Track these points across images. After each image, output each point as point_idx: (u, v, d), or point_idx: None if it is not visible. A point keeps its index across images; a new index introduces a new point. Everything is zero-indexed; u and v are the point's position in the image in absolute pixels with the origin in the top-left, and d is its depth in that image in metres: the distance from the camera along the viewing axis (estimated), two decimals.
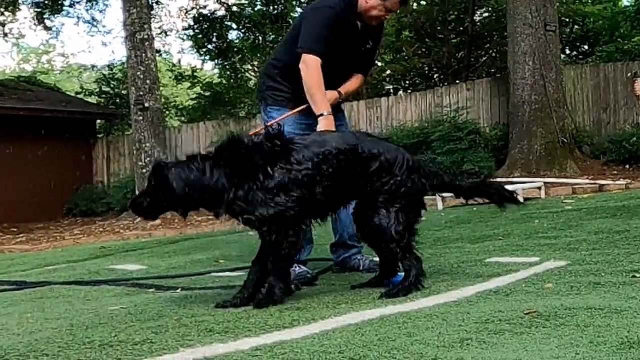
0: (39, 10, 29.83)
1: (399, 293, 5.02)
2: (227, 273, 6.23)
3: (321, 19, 5.98)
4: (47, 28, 32.09)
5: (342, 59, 6.26)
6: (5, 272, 9.47)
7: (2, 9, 30.07)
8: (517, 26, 18.01)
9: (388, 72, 31.30)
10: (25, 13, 31.22)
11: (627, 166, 16.81)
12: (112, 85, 31.61)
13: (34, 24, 31.73)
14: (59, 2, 29.14)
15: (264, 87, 6.58)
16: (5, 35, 32.01)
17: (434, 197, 14.52)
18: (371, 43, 6.44)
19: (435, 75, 29.92)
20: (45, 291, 6.89)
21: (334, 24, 6.10)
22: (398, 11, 6.21)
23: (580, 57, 27.56)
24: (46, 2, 28.86)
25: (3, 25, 31.02)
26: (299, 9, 30.84)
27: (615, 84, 18.88)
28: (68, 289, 6.92)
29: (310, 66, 5.75)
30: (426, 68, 29.91)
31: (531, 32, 17.65)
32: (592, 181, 15.07)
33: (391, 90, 29.62)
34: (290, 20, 28.77)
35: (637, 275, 5.08)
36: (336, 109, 6.38)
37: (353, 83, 6.56)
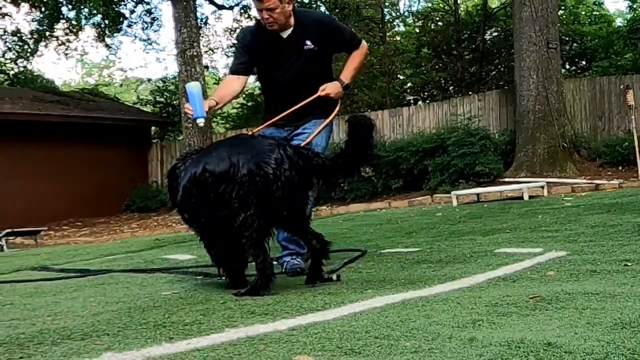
0: (100, 30, 29.98)
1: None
2: None
3: (237, 45, 6.07)
4: (107, 46, 32.27)
5: (284, 64, 6.14)
6: (70, 262, 9.49)
7: (68, 31, 30.22)
8: (522, 44, 17.99)
9: (409, 84, 31.27)
10: (89, 32, 31.41)
11: (620, 168, 16.76)
12: (165, 96, 31.68)
13: (96, 42, 31.94)
14: (118, 23, 29.27)
15: None
16: (67, 54, 32.14)
17: (449, 195, 14.53)
18: (310, 43, 6.08)
19: (450, 88, 29.94)
20: (106, 278, 6.93)
21: (248, 43, 6.16)
22: (285, 7, 5.67)
23: (579, 71, 27.47)
24: (106, 22, 28.98)
25: (69, 42, 31.15)
26: None
27: (610, 95, 18.82)
28: (126, 276, 6.93)
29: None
30: (442, 81, 29.93)
31: (535, 50, 17.63)
32: (589, 181, 15.02)
33: (412, 101, 29.59)
34: None
35: (629, 264, 5.06)
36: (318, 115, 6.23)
37: (351, 63, 6.31)
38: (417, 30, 31.93)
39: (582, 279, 4.65)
